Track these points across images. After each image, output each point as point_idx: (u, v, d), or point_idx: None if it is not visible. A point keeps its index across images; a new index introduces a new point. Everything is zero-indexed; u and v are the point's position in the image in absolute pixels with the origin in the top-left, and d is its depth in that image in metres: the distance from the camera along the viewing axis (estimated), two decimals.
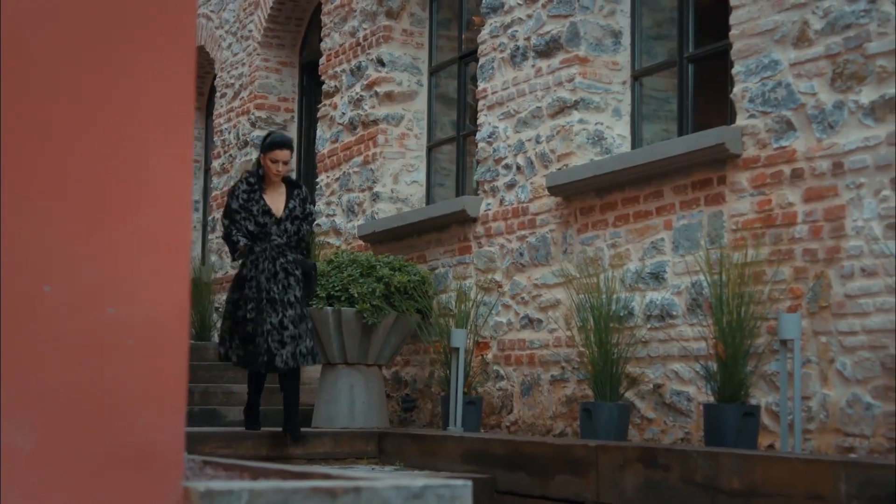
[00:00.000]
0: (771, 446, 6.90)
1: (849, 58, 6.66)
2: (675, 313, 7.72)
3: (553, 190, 8.68)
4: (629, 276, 8.07)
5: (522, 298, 9.06)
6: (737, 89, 7.35)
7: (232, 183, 12.78)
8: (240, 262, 8.54)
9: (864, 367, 6.49)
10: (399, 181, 11.04)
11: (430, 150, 11.14)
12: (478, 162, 9.76)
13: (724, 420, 6.76)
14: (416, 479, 3.67)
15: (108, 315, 3.22)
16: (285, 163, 8.48)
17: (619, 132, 8.73)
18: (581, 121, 8.67)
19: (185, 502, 3.28)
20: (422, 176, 11.08)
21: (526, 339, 9.01)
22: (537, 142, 8.99)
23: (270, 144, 8.47)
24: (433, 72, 11.21)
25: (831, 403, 6.64)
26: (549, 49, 8.93)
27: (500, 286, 9.31)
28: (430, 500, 3.54)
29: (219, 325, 10.13)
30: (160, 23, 3.38)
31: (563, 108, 8.76)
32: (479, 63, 9.73)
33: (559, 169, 8.70)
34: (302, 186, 8.71)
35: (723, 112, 8.04)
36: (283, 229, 8.45)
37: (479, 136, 9.69)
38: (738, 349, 6.86)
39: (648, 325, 7.90)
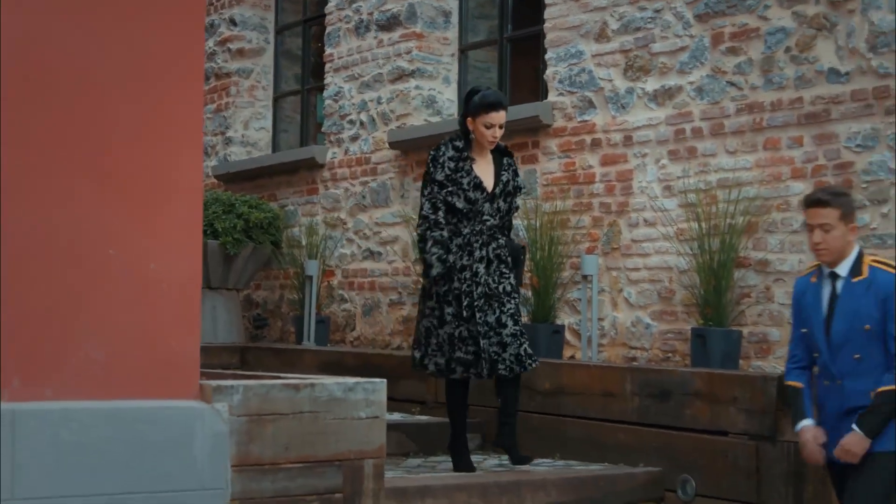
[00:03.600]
0: (573, 356, 8.75)
1: (638, 54, 8.48)
2: None
3: (393, 144, 10.36)
4: None
5: (364, 234, 10.74)
6: (549, 71, 9.12)
7: None
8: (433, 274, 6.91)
9: (645, 296, 8.39)
10: (249, 127, 12.55)
11: (276, 100, 12.67)
12: (325, 116, 11.34)
13: (537, 336, 8.57)
14: (349, 378, 5.37)
15: (151, 269, 4.84)
16: (501, 127, 6.94)
17: (448, 97, 10.44)
18: (417, 87, 10.34)
19: (202, 394, 4.90)
20: (269, 123, 12.61)
21: (367, 269, 10.71)
22: (378, 103, 10.63)
23: (483, 105, 6.90)
24: (279, 31, 12.71)
25: (620, 323, 8.53)
26: (389, 24, 10.56)
27: (345, 223, 10.97)
28: (359, 392, 5.28)
29: None
30: (173, 64, 4.93)
31: (401, 76, 10.41)
32: (326, 31, 11.29)
33: (398, 127, 10.37)
34: (512, 154, 7.24)
35: (534, 83, 9.81)
36: (496, 208, 6.98)
37: (325, 94, 11.28)
38: (549, 280, 8.68)
39: None
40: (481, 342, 6.80)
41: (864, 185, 7.19)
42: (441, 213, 6.91)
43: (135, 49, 4.81)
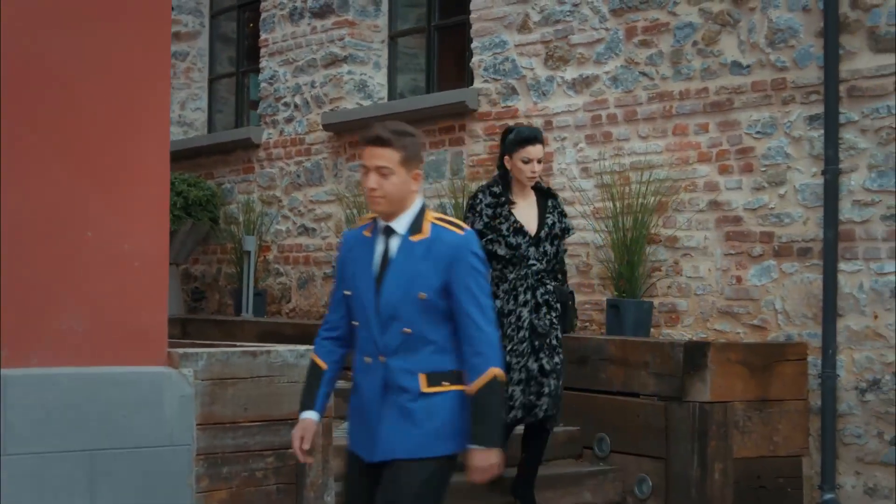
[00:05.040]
0: None
1: (558, 45, 9.12)
2: None
3: (327, 126, 10.92)
4: None
5: (299, 211, 11.32)
6: (475, 59, 9.73)
7: None
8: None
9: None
10: (185, 108, 13.04)
11: (211, 82, 13.17)
12: (260, 98, 11.88)
13: None
14: (300, 346, 5.95)
15: (124, 249, 5.39)
16: (539, 161, 6.74)
17: (378, 81, 11.02)
18: (349, 72, 10.91)
19: (170, 360, 5.46)
20: (204, 104, 13.11)
21: (302, 244, 11.28)
22: (312, 86, 11.19)
23: (518, 141, 6.72)
24: (214, 15, 13.19)
25: None
26: (322, 12, 11.11)
27: (280, 201, 11.53)
28: (310, 358, 5.81)
29: None
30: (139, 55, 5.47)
31: (334, 61, 10.98)
32: (262, 17, 11.81)
33: (331, 110, 10.94)
34: (556, 196, 7.05)
35: (461, 69, 10.42)
36: (542, 251, 6.75)
37: (261, 77, 11.81)
38: None
39: None
40: (510, 389, 6.53)
41: (764, 169, 7.89)
42: None
43: (107, 51, 5.36)
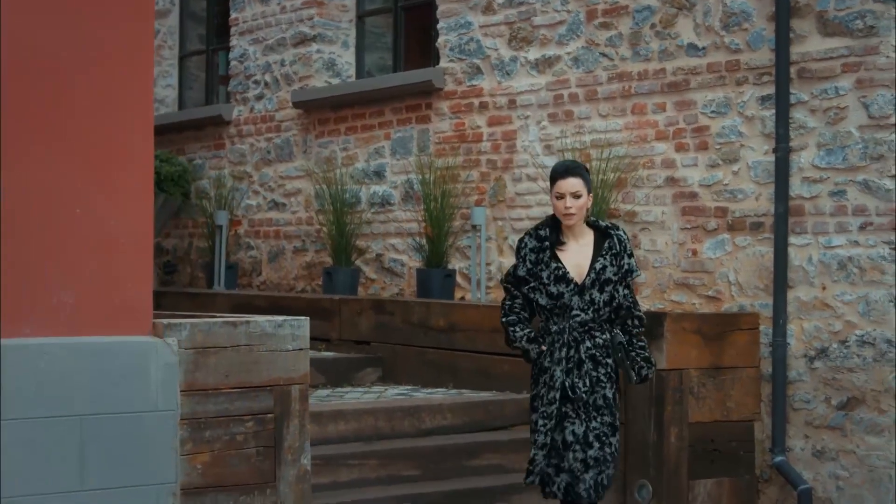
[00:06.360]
0: (463, 297, 9.72)
1: (521, 26, 9.43)
2: (392, 202, 10.45)
3: (296, 104, 11.21)
4: (357, 172, 10.72)
5: (269, 186, 11.60)
6: (441, 40, 10.03)
7: None
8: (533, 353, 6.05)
9: None
10: (156, 85, 13.26)
11: (181, 59, 13.41)
12: (230, 76, 12.14)
13: (430, 280, 9.54)
14: (278, 317, 6.25)
15: (111, 226, 5.67)
16: (576, 195, 5.89)
17: (346, 60, 11.30)
18: (318, 50, 11.19)
19: (155, 330, 5.74)
20: (175, 81, 13.35)
21: (272, 218, 11.58)
22: (282, 65, 11.46)
23: (552, 176, 6.02)
24: None
25: (504, 267, 9.49)
26: None
27: (251, 176, 11.81)
28: (287, 328, 6.17)
29: None
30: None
31: (303, 40, 11.25)
32: None
33: (301, 88, 11.22)
34: (614, 234, 6.05)
35: (427, 49, 10.71)
36: (587, 300, 5.93)
37: (231, 55, 12.07)
38: (441, 229, 9.63)
39: (372, 210, 10.60)
40: (538, 453, 5.99)
41: (718, 147, 8.24)
42: (518, 302, 6.07)
43: (95, 41, 5.63)
